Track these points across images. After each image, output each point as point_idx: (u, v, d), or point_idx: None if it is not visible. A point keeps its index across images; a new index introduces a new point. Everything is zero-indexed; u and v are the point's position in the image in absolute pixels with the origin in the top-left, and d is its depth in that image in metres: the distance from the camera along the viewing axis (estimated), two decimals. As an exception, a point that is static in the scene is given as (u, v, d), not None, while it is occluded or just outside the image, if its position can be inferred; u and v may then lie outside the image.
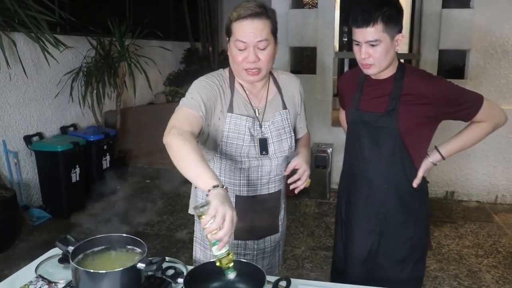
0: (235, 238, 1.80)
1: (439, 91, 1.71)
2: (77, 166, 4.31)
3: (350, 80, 1.94)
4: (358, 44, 1.70)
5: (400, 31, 1.69)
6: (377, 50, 1.66)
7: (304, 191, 4.82)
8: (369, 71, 1.74)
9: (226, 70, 1.75)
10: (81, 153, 4.37)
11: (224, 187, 1.32)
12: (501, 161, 4.66)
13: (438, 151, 1.85)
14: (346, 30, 6.73)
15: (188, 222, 4.08)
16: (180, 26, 7.41)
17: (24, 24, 3.32)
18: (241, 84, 1.72)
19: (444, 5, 4.57)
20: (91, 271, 1.39)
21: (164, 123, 1.54)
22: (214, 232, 1.23)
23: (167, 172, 5.59)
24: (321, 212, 4.51)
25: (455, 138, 1.86)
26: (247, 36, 1.56)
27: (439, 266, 3.42)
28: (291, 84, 1.83)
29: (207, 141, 1.71)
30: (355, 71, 1.91)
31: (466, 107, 1.75)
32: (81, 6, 4.98)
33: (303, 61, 6.39)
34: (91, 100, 4.86)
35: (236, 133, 1.67)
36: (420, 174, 1.82)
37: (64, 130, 4.70)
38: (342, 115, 2.13)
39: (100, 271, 1.39)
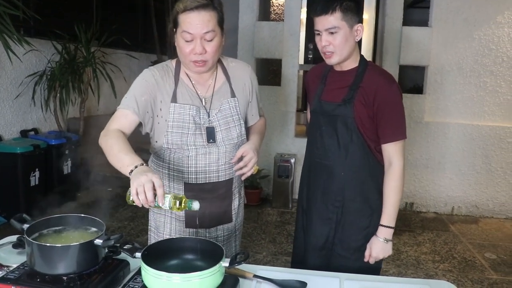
0: (187, 226, 1.81)
1: (385, 93, 1.77)
2: (36, 169, 4.19)
3: (316, 73, 2.00)
4: (319, 34, 1.78)
5: (359, 22, 1.76)
6: (336, 38, 1.73)
7: (266, 200, 4.94)
8: (331, 60, 1.80)
9: (173, 61, 1.78)
10: (41, 156, 4.25)
11: (143, 164, 1.45)
12: (457, 174, 4.82)
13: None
14: (312, 47, 6.91)
15: (150, 228, 4.01)
16: (147, 38, 7.39)
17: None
18: (187, 74, 1.75)
19: (405, 23, 4.78)
20: (47, 245, 1.37)
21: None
22: (151, 201, 1.35)
23: (130, 181, 5.51)
24: (283, 220, 4.54)
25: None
26: (193, 27, 1.58)
27: (397, 271, 3.49)
28: (242, 71, 1.85)
29: (155, 132, 1.74)
30: (321, 65, 1.98)
31: (388, 126, 1.78)
32: (47, 9, 4.92)
33: (269, 75, 6.50)
34: (54, 105, 4.77)
35: (181, 122, 1.70)
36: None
37: (24, 133, 4.57)
38: (309, 112, 2.17)
39: (56, 245, 1.37)
